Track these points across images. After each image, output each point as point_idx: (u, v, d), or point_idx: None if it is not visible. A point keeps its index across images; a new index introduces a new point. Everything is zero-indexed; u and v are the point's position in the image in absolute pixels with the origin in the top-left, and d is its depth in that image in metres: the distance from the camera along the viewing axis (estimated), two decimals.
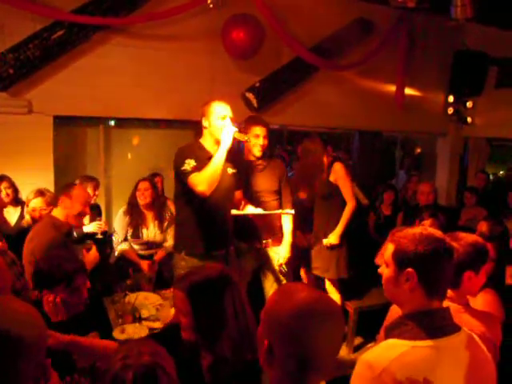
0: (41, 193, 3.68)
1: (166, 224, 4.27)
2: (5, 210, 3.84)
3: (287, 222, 3.69)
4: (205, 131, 3.17)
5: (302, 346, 1.16)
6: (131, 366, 1.37)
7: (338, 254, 4.06)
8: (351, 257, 4.16)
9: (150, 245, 4.22)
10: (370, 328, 4.09)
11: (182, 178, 3.02)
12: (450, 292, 1.82)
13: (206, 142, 3.16)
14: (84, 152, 5.00)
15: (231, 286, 1.84)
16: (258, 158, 3.65)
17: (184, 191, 3.08)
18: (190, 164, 2.98)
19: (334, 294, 4.10)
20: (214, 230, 3.16)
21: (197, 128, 5.20)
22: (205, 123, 3.12)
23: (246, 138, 3.30)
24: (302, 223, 4.17)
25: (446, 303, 1.55)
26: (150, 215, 4.24)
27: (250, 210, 3.45)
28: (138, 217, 4.20)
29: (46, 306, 2.16)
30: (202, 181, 2.92)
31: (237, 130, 3.05)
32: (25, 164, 4.12)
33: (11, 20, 3.96)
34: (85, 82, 4.32)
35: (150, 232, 4.22)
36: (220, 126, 3.04)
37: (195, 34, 4.67)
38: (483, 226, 3.62)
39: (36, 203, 3.65)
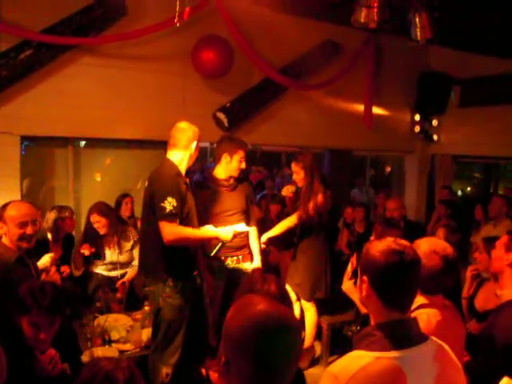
0: None
1: (130, 243, 4.20)
2: None
3: (254, 241, 3.79)
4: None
5: (254, 361, 1.12)
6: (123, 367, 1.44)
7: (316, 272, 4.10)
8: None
9: (114, 265, 4.15)
10: (344, 344, 4.08)
11: (156, 212, 2.88)
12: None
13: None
14: (52, 173, 4.91)
15: None
16: (231, 178, 3.68)
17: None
18: (170, 204, 2.82)
19: (311, 309, 4.10)
20: (194, 252, 3.19)
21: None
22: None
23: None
24: (279, 241, 4.20)
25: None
26: (109, 238, 4.14)
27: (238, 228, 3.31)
28: (97, 240, 4.10)
29: None
30: (176, 237, 2.85)
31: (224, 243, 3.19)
32: None
33: None
34: (53, 102, 4.27)
35: (113, 252, 4.14)
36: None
37: (166, 55, 4.70)
38: (440, 233, 3.70)
39: None
